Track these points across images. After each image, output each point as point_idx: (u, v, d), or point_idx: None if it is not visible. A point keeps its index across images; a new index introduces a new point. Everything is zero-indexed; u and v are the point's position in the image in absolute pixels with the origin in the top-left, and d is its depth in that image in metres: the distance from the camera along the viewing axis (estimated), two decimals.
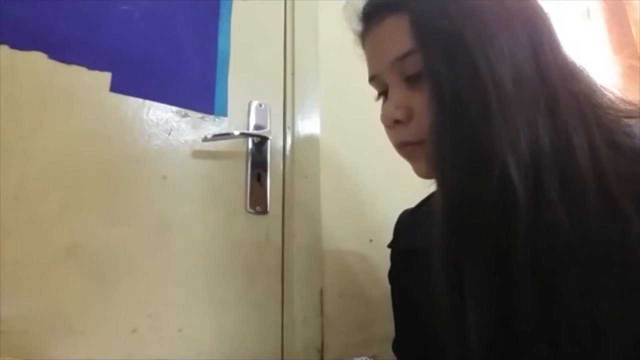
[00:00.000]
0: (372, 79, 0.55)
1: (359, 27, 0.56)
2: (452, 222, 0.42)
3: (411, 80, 0.49)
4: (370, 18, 0.53)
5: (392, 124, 0.50)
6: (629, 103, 0.46)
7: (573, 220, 0.38)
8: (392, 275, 0.71)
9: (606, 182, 0.39)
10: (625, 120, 0.44)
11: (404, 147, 0.52)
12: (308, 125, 0.87)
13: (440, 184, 0.45)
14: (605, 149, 0.41)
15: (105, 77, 0.70)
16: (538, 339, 0.38)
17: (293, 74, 0.89)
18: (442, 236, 0.43)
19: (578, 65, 0.47)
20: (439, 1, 0.46)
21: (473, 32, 0.43)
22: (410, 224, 0.70)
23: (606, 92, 0.46)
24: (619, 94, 0.46)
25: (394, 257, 0.70)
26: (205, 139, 0.75)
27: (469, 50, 0.43)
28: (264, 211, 0.79)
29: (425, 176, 0.52)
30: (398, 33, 0.48)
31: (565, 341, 0.38)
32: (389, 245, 0.70)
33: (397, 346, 0.68)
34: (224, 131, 0.78)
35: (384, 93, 0.54)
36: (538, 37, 0.46)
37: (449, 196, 0.43)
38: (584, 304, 0.37)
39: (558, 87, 0.43)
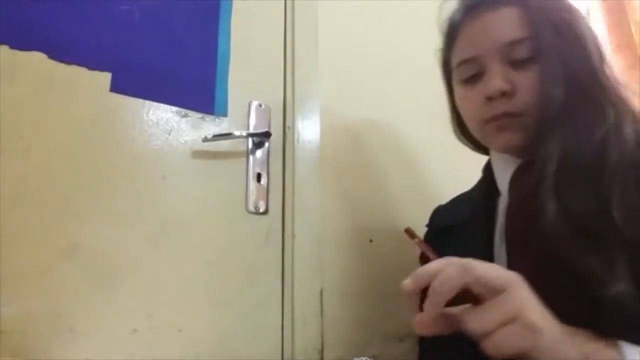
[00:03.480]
0: (469, 61, 0.62)
1: (460, 14, 0.64)
2: (562, 179, 0.51)
3: (516, 63, 0.58)
4: (484, 6, 0.61)
5: (499, 95, 0.58)
6: None
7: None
8: (423, 256, 0.76)
9: None
10: None
11: (502, 119, 0.58)
12: (308, 125, 0.87)
13: (544, 149, 0.54)
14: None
15: (105, 77, 0.70)
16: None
17: (293, 74, 0.89)
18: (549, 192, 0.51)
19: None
20: (552, 3, 0.59)
21: (576, 28, 0.58)
22: (444, 208, 0.79)
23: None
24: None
25: (428, 238, 0.77)
26: (205, 139, 0.75)
27: (579, 40, 0.57)
28: (264, 211, 0.79)
29: (515, 146, 0.60)
30: (511, 22, 0.58)
31: None
32: (427, 226, 0.79)
33: None
34: (224, 131, 0.78)
35: (472, 77, 0.61)
36: (604, 57, 0.59)
37: (557, 156, 0.52)
38: None
39: (617, 86, 0.57)
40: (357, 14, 1.02)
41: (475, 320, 0.40)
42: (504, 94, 0.57)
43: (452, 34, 0.65)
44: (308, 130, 0.87)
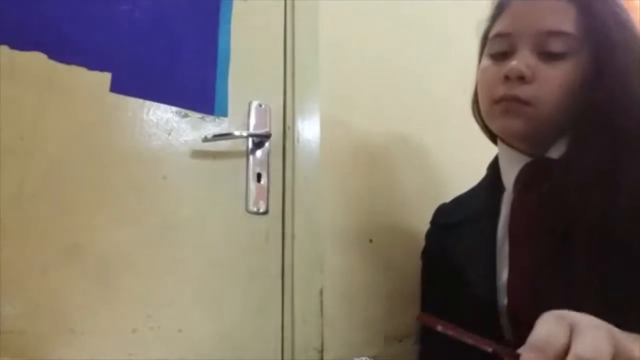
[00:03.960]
0: (504, 36, 0.62)
1: None
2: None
3: (546, 55, 0.58)
4: None
5: (516, 77, 0.57)
6: None
7: None
8: (427, 251, 0.80)
9: None
10: None
11: (511, 101, 0.58)
12: (308, 125, 0.87)
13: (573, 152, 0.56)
14: None
15: (105, 77, 0.69)
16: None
17: (293, 74, 0.89)
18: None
19: None
20: (610, 4, 0.59)
21: (633, 36, 0.59)
22: (448, 206, 0.81)
23: None
24: None
25: (431, 235, 0.80)
26: (205, 139, 0.75)
27: (634, 48, 0.57)
28: (264, 211, 0.79)
29: (514, 133, 0.60)
30: (559, 13, 0.58)
31: None
32: (430, 223, 0.81)
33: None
34: (224, 131, 0.78)
35: (500, 54, 0.61)
36: None
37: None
38: None
39: None
40: (358, 14, 1.02)
41: None
42: (521, 78, 0.57)
43: (501, 5, 0.65)
44: (308, 130, 0.87)
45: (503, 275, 0.61)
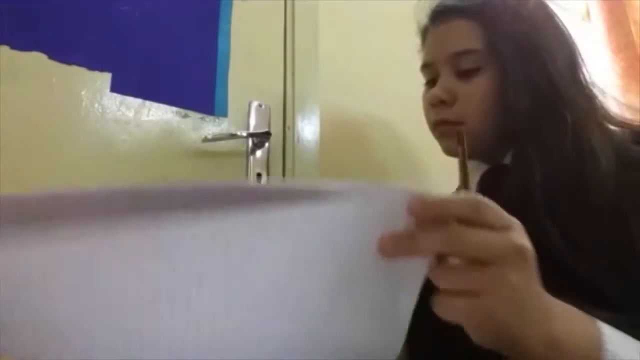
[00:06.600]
0: (426, 66, 0.65)
1: (425, 22, 0.66)
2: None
3: (462, 74, 0.59)
4: (440, 17, 0.63)
5: (438, 103, 0.60)
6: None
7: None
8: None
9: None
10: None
11: (442, 125, 0.61)
12: (308, 125, 0.87)
13: (515, 163, 0.57)
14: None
15: (105, 77, 0.70)
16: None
17: (293, 74, 0.89)
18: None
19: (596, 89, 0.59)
20: (510, 15, 0.59)
21: (534, 39, 0.57)
22: None
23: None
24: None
25: None
26: (205, 140, 0.74)
27: (537, 50, 0.57)
28: None
29: (454, 153, 0.62)
30: (462, 34, 0.60)
31: None
32: None
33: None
34: (224, 131, 0.78)
35: (431, 81, 0.64)
36: (576, 62, 0.59)
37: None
38: None
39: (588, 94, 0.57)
40: (357, 13, 1.02)
41: None
42: (442, 102, 0.60)
43: (423, 36, 0.68)
44: (308, 130, 0.87)
45: None
